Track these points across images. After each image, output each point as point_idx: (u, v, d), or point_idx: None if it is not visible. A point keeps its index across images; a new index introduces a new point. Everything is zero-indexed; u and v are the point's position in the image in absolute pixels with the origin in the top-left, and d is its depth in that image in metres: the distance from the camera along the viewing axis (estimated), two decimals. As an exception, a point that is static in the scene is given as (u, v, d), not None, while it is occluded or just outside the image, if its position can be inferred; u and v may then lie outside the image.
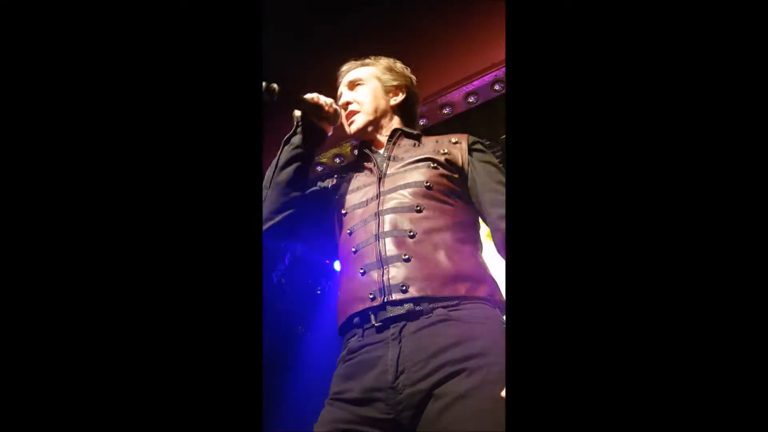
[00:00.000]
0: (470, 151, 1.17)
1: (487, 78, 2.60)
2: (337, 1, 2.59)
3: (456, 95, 2.68)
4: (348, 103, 1.27)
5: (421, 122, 2.76)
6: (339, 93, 1.33)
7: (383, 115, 1.28)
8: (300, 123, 1.19)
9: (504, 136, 2.62)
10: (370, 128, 1.26)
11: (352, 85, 1.30)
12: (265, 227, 1.11)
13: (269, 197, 1.13)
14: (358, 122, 1.26)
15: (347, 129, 1.28)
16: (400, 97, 1.30)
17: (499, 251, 1.09)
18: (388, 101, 1.29)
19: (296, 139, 1.18)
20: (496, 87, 2.61)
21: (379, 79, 1.30)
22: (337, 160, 2.98)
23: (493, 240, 1.10)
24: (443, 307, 0.97)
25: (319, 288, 3.59)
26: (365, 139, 1.28)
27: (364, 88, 1.29)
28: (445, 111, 2.73)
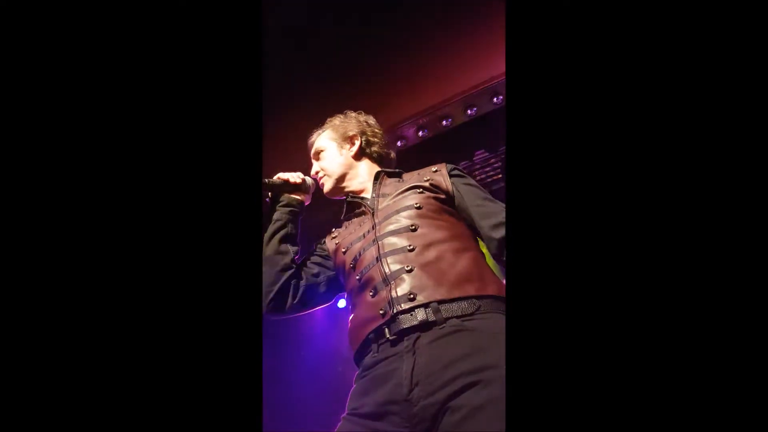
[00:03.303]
0: (451, 176, 1.24)
1: (487, 90, 2.62)
2: (335, 13, 2.60)
3: (455, 107, 2.69)
4: (317, 173, 1.41)
5: (420, 133, 2.78)
6: (312, 157, 1.46)
7: (347, 168, 1.39)
8: (272, 203, 1.33)
9: (503, 148, 2.64)
10: (341, 184, 1.37)
11: (316, 155, 1.43)
12: (265, 304, 1.20)
13: (264, 276, 1.21)
14: (327, 185, 1.38)
15: (324, 192, 1.40)
16: (356, 146, 1.41)
17: (494, 258, 1.12)
18: (347, 155, 1.40)
19: (276, 215, 1.31)
20: (495, 99, 2.63)
21: (334, 140, 1.42)
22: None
23: (489, 250, 1.12)
24: (457, 317, 0.97)
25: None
26: (343, 195, 1.38)
27: (325, 154, 1.41)
28: (445, 122, 2.75)
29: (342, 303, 3.58)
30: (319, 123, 1.48)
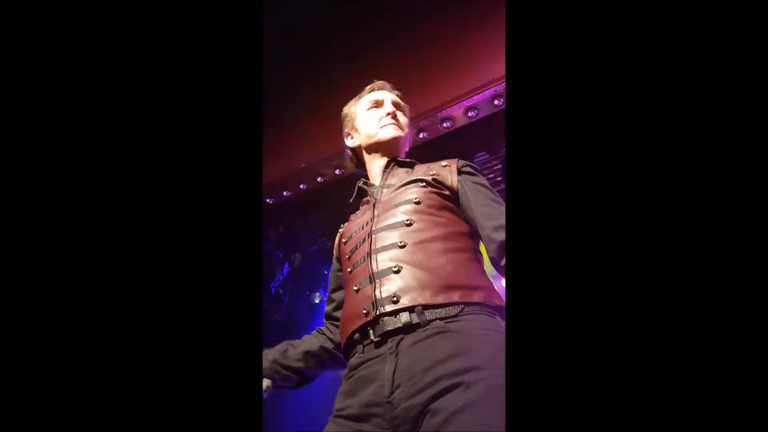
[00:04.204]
0: (460, 172, 1.22)
1: (488, 93, 2.62)
2: (336, 14, 2.61)
3: (456, 109, 2.70)
4: (395, 113, 1.38)
5: (421, 135, 2.78)
6: (379, 99, 1.41)
7: (406, 143, 1.41)
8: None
9: (504, 149, 2.64)
10: (401, 145, 1.37)
11: (397, 105, 1.41)
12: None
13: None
14: (398, 133, 1.35)
15: (382, 130, 1.36)
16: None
17: (492, 263, 1.10)
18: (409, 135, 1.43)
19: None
20: (496, 102, 2.63)
21: (406, 117, 1.43)
22: (338, 172, 3.00)
23: (487, 253, 1.10)
24: (440, 319, 0.96)
25: (317, 298, 3.59)
26: (387, 156, 1.36)
27: (402, 115, 1.40)
28: (445, 125, 2.75)
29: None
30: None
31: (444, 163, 1.25)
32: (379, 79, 1.47)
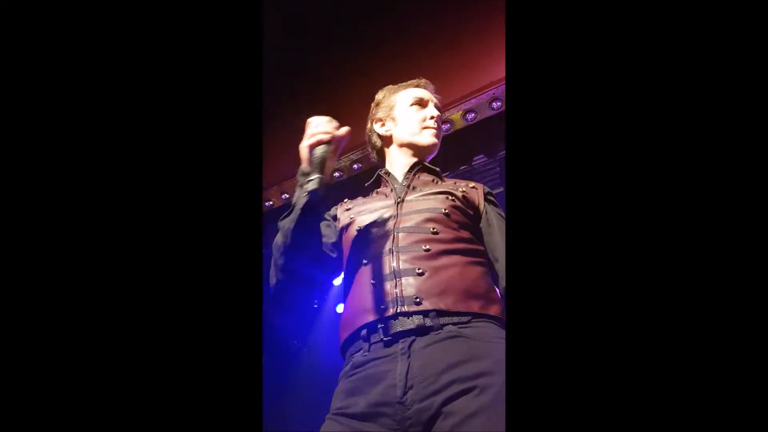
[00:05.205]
0: (486, 199, 1.23)
1: (485, 96, 2.62)
2: (336, 16, 2.61)
3: (454, 112, 2.70)
4: (439, 117, 1.35)
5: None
6: (425, 98, 1.36)
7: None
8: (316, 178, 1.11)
9: (503, 153, 2.64)
10: (429, 152, 1.33)
11: (439, 110, 1.37)
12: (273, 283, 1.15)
13: (280, 261, 1.13)
14: (436, 140, 1.32)
15: (423, 132, 1.31)
16: None
17: (501, 291, 1.11)
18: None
19: (311, 185, 1.10)
20: (494, 105, 2.64)
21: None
22: (337, 174, 3.00)
23: (499, 282, 1.12)
24: (453, 324, 0.97)
25: (315, 302, 3.58)
26: (418, 157, 1.32)
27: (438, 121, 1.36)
28: (444, 127, 2.76)
29: (340, 308, 3.56)
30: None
31: (471, 184, 1.26)
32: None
